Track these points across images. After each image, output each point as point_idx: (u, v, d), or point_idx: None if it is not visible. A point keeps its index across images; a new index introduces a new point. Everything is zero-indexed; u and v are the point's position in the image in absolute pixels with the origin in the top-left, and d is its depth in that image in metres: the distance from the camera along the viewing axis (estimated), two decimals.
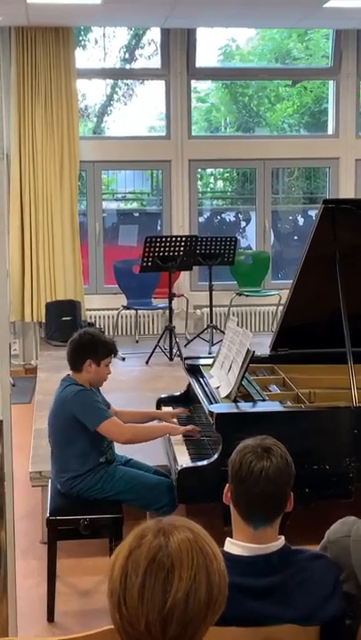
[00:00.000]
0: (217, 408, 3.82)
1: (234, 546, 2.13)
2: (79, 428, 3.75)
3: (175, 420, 4.20)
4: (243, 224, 10.06)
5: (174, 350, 7.39)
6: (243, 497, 2.14)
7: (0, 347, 2.91)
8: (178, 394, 4.70)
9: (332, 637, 2.11)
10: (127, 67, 9.32)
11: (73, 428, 3.76)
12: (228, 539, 2.16)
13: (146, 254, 7.31)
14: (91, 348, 3.85)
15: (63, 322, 7.95)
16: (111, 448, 3.93)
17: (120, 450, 4.07)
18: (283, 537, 2.16)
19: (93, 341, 3.87)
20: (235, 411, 3.83)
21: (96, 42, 9.23)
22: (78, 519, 3.71)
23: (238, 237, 8.91)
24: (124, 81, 9.63)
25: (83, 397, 3.79)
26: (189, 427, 4.09)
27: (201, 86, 9.81)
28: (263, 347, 4.85)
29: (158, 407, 4.58)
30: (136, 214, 10.38)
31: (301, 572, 2.11)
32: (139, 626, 1.45)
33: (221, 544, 2.12)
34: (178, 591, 1.44)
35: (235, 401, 3.90)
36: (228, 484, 2.21)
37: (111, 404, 4.07)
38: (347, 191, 9.02)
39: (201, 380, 4.41)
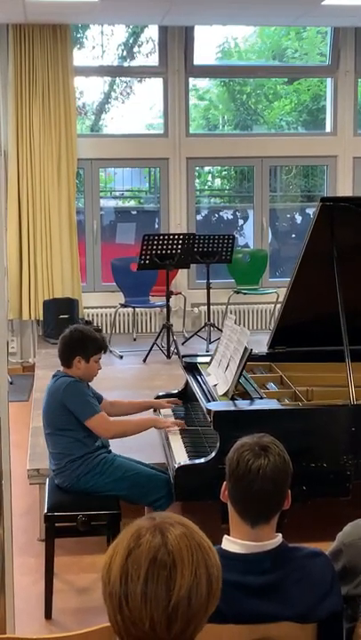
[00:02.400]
0: (214, 406, 3.83)
1: (231, 543, 2.13)
2: (73, 418, 3.82)
3: (170, 411, 4.23)
4: (240, 222, 10.07)
5: (172, 348, 7.40)
6: (240, 495, 2.15)
7: None
8: (175, 391, 4.70)
9: (330, 635, 2.12)
10: (125, 64, 9.31)
11: (67, 417, 3.82)
12: (225, 536, 2.16)
13: (143, 252, 7.31)
14: (80, 345, 3.89)
15: (61, 320, 7.93)
16: None
17: (117, 448, 4.08)
18: (280, 535, 2.16)
19: (83, 338, 3.91)
20: (232, 408, 3.83)
21: (94, 39, 9.22)
22: (76, 515, 3.72)
23: (236, 235, 8.91)
24: (122, 78, 9.63)
25: (74, 389, 3.85)
26: (175, 420, 4.14)
27: (199, 84, 9.81)
28: (261, 345, 4.85)
29: None
30: (134, 212, 10.38)
31: (299, 570, 2.11)
32: (143, 625, 1.45)
33: (219, 542, 2.12)
34: (181, 588, 1.45)
35: (232, 399, 3.90)
36: (225, 482, 2.21)
37: (104, 395, 4.11)
38: (345, 189, 9.02)
39: (199, 377, 4.41)
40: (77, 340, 3.91)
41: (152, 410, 4.42)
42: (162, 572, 1.45)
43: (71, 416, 3.82)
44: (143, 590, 1.45)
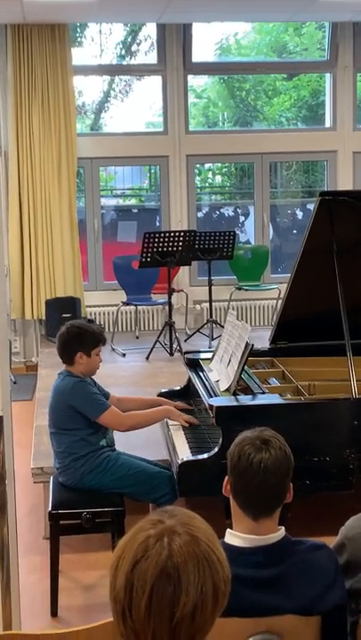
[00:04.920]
0: (216, 401, 3.83)
1: (234, 537, 2.14)
2: (78, 418, 3.83)
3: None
4: (241, 218, 10.06)
5: (174, 345, 7.40)
6: (242, 489, 2.16)
7: (0, 344, 2.92)
8: (178, 388, 4.71)
9: (334, 628, 2.12)
10: (124, 63, 9.31)
11: (72, 417, 3.84)
12: (228, 530, 2.17)
13: (145, 250, 7.32)
14: (79, 341, 3.89)
15: (63, 319, 7.88)
16: (109, 432, 3.99)
17: (122, 445, 4.09)
18: (283, 528, 2.17)
19: (81, 333, 3.91)
20: (234, 404, 3.84)
21: (92, 38, 9.22)
22: (80, 512, 3.73)
23: (237, 232, 8.91)
24: (121, 77, 9.63)
25: (80, 389, 3.85)
26: (189, 417, 4.13)
27: (198, 81, 9.81)
28: (263, 340, 4.86)
29: None
30: (135, 210, 10.39)
31: (302, 563, 2.12)
32: (145, 637, 1.43)
33: (223, 536, 2.13)
34: (185, 606, 1.42)
35: (234, 394, 3.91)
36: (227, 477, 2.22)
37: (111, 392, 4.11)
38: (345, 184, 9.02)
39: (201, 374, 4.42)
40: (76, 336, 3.91)
41: None
42: (167, 589, 1.42)
43: (77, 416, 3.82)
44: (147, 605, 1.42)
